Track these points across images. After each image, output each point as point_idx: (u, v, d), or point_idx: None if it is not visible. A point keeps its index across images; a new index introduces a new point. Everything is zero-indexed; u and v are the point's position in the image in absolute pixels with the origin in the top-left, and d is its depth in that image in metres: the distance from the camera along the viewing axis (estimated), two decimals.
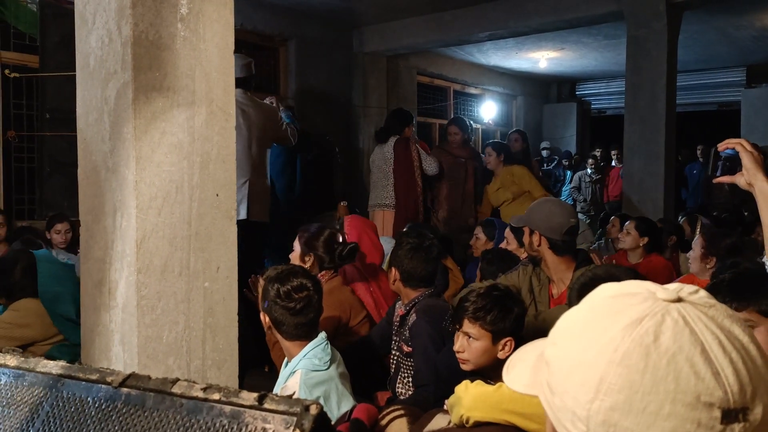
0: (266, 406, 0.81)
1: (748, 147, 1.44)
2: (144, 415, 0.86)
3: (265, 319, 1.92)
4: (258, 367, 2.47)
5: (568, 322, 0.62)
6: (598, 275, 1.67)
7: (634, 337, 0.54)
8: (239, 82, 3.57)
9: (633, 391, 0.53)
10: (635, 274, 1.73)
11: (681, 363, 0.53)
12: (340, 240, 2.69)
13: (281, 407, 0.81)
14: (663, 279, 3.13)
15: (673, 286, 0.59)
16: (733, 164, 1.54)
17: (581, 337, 0.58)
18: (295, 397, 0.85)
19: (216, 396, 0.84)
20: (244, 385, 2.09)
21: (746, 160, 1.43)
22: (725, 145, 1.51)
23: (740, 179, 1.46)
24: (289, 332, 1.86)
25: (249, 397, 0.83)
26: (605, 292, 0.61)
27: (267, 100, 4.11)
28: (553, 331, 0.63)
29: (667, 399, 0.52)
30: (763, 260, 1.55)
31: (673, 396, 0.52)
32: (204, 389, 0.86)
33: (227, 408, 0.83)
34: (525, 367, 0.66)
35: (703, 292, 0.58)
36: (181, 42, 1.83)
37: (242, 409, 0.82)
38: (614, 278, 1.61)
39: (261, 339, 2.36)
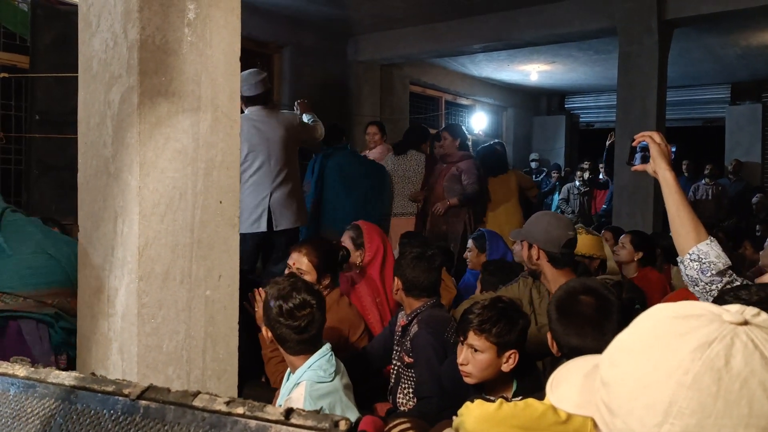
0: (293, 421, 0.79)
1: (657, 139, 1.60)
2: (164, 429, 0.84)
3: (267, 334, 1.87)
4: (256, 377, 2.43)
5: (628, 342, 0.61)
6: (573, 288, 1.68)
7: (705, 360, 0.54)
8: (255, 100, 3.66)
9: (705, 415, 0.52)
10: (602, 287, 1.76)
11: (754, 387, 0.52)
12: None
13: (309, 422, 0.79)
14: (657, 293, 3.15)
15: (736, 308, 0.58)
16: (648, 154, 1.70)
17: (646, 358, 0.57)
18: (317, 409, 0.83)
19: (240, 410, 0.82)
20: (242, 396, 2.06)
21: (653, 151, 1.60)
22: (639, 139, 1.66)
23: (649, 168, 1.61)
24: (293, 348, 1.83)
25: (275, 411, 0.81)
26: (665, 312, 0.61)
27: (296, 106, 4.27)
28: (611, 351, 0.62)
29: (740, 424, 0.52)
30: (678, 260, 1.59)
31: (747, 421, 0.52)
32: (227, 403, 0.84)
33: (252, 423, 0.81)
34: (571, 387, 0.65)
35: (765, 315, 0.58)
36: (187, 47, 1.81)
37: (268, 424, 0.80)
38: (590, 290, 1.64)
39: (259, 350, 2.33)
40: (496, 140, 6.49)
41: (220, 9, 1.89)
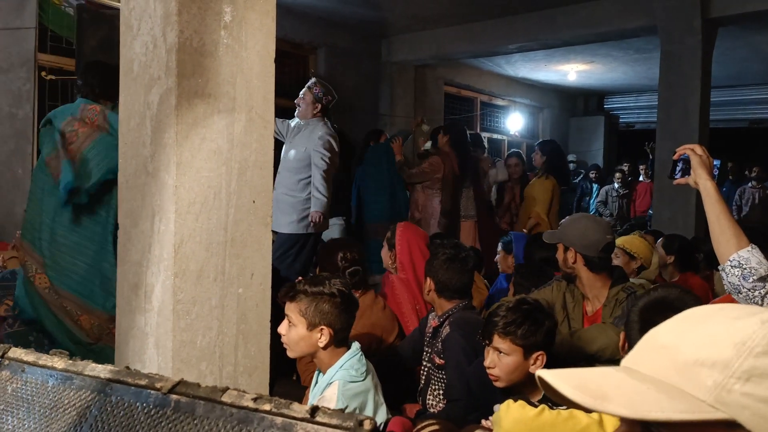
0: (318, 419, 0.80)
1: (698, 151, 1.62)
2: (194, 423, 0.86)
3: (324, 333, 1.83)
4: (286, 375, 2.46)
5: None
6: (668, 298, 1.59)
7: None
8: (326, 112, 3.96)
9: None
10: (699, 300, 1.67)
11: None
12: (347, 257, 2.69)
13: (334, 421, 0.79)
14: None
15: None
16: (690, 167, 1.73)
17: None
18: (342, 408, 0.84)
19: (267, 407, 0.84)
20: (273, 393, 2.09)
21: (694, 162, 1.61)
22: (680, 152, 1.67)
23: (691, 180, 1.63)
24: (342, 337, 1.84)
25: (301, 409, 0.82)
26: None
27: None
28: (754, 339, 0.59)
29: None
30: (719, 268, 1.54)
31: None
32: (254, 399, 0.85)
33: (279, 419, 0.82)
34: (645, 394, 0.61)
35: None
36: (223, 49, 1.84)
37: (294, 421, 0.81)
38: (683, 303, 1.55)
39: None
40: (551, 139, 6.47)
41: (256, 12, 1.92)
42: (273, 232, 4.25)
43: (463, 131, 5.11)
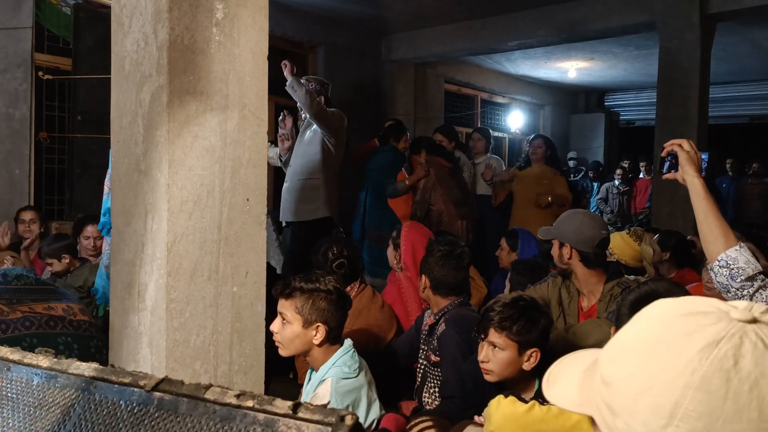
0: (300, 415, 0.80)
1: (686, 147, 1.61)
2: (177, 421, 0.85)
3: (320, 330, 1.83)
4: (283, 373, 2.46)
5: (631, 339, 0.59)
6: (657, 291, 1.60)
7: (713, 361, 0.52)
8: (329, 102, 3.96)
9: (713, 418, 0.50)
10: (688, 293, 1.67)
11: (764, 389, 0.50)
12: (334, 251, 2.69)
13: (316, 416, 0.79)
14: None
15: (743, 305, 0.56)
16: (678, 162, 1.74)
17: (651, 357, 0.55)
18: (325, 404, 0.84)
19: (249, 403, 0.83)
20: (269, 391, 2.08)
21: (681, 158, 1.60)
22: (669, 148, 1.66)
23: (679, 175, 1.63)
24: (336, 335, 1.84)
25: (283, 405, 0.81)
26: (670, 309, 0.59)
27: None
28: (613, 348, 0.60)
29: (750, 428, 0.50)
30: (708, 267, 1.54)
31: (757, 425, 0.49)
32: (237, 396, 0.84)
33: (261, 416, 0.82)
34: (570, 383, 0.63)
35: None
36: (215, 46, 1.83)
37: (276, 417, 0.80)
38: (672, 296, 1.54)
39: None
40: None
41: (248, 9, 1.91)
42: (279, 227, 4.24)
43: (428, 138, 5.06)
